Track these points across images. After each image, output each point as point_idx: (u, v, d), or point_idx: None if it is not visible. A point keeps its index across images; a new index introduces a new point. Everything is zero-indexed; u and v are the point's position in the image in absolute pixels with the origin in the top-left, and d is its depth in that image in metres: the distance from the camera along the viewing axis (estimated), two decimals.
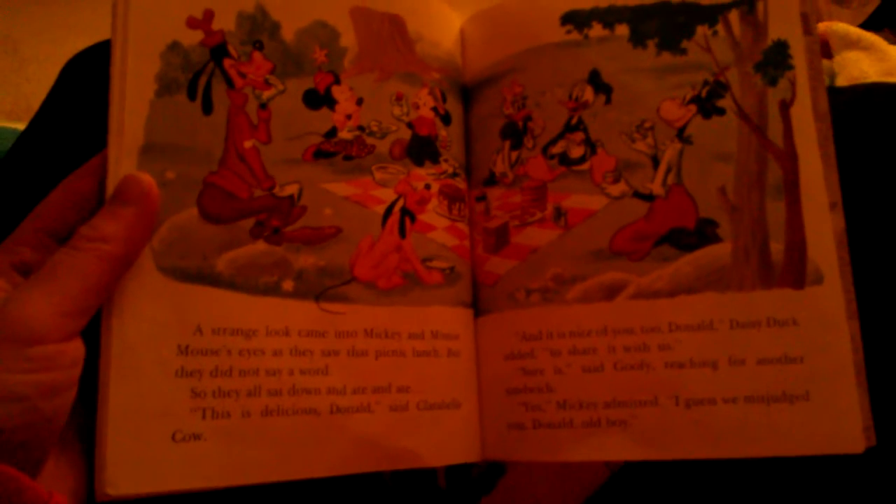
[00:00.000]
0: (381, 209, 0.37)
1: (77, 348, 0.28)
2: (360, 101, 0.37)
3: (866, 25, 1.32)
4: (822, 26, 0.60)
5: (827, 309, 0.35)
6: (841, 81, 0.55)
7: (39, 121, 0.43)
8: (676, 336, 0.35)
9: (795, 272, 0.35)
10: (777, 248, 0.35)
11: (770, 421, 0.34)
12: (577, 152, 0.38)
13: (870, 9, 1.32)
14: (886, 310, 0.38)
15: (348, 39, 0.38)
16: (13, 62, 1.32)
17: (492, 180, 0.40)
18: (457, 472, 0.43)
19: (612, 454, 0.35)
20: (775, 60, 0.37)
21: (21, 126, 0.50)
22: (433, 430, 0.36)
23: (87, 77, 0.43)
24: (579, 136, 0.38)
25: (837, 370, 0.34)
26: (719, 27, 0.38)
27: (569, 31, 0.39)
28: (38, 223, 0.30)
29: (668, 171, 0.37)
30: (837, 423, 0.33)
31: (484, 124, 0.40)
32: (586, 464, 0.41)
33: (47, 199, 0.31)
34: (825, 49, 0.60)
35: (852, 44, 0.58)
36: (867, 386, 0.34)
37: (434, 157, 0.39)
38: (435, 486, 0.43)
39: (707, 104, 0.37)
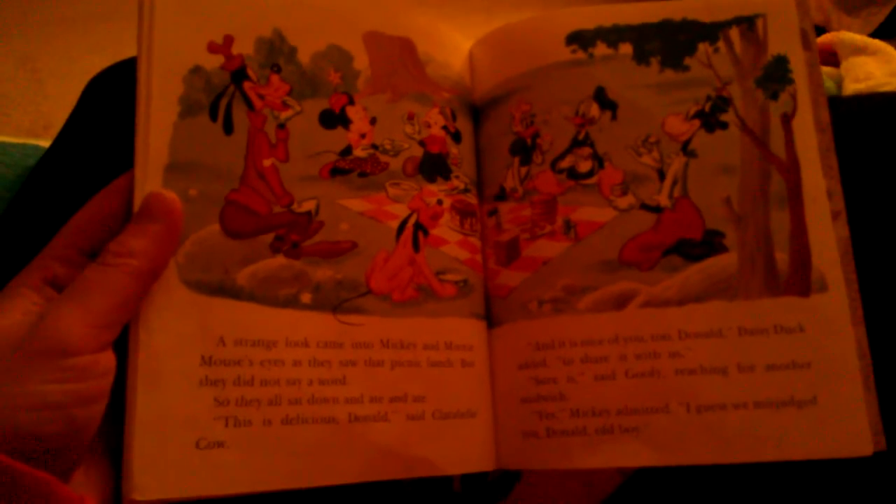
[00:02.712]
0: (395, 224, 0.38)
1: (109, 359, 0.29)
2: (373, 121, 0.39)
3: (876, 34, 1.33)
4: (830, 37, 0.61)
5: (832, 316, 0.35)
6: (848, 83, 0.55)
7: (65, 138, 0.44)
8: (686, 344, 0.36)
9: (800, 280, 0.36)
10: (782, 257, 0.36)
11: (779, 426, 0.34)
12: (584, 167, 0.39)
13: (880, 18, 1.33)
14: None
15: (361, 62, 0.39)
16: (33, 81, 1.34)
17: (502, 195, 0.40)
18: (472, 478, 0.43)
19: (626, 461, 0.35)
20: (776, 75, 0.39)
21: (40, 142, 0.51)
22: (449, 439, 0.37)
23: (111, 96, 0.44)
24: (587, 151, 0.39)
25: (844, 375, 0.34)
26: (720, 44, 0.39)
27: (574, 51, 0.40)
28: (69, 240, 0.31)
29: (675, 183, 0.38)
30: (845, 427, 0.34)
31: (493, 141, 0.41)
32: (600, 470, 0.42)
33: (76, 216, 0.32)
34: (833, 59, 0.60)
35: (859, 50, 0.58)
36: (876, 390, 0.34)
37: (445, 174, 0.40)
38: (450, 492, 0.43)
39: (710, 118, 0.38)
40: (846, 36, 0.60)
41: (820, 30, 1.39)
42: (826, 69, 0.60)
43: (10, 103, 1.32)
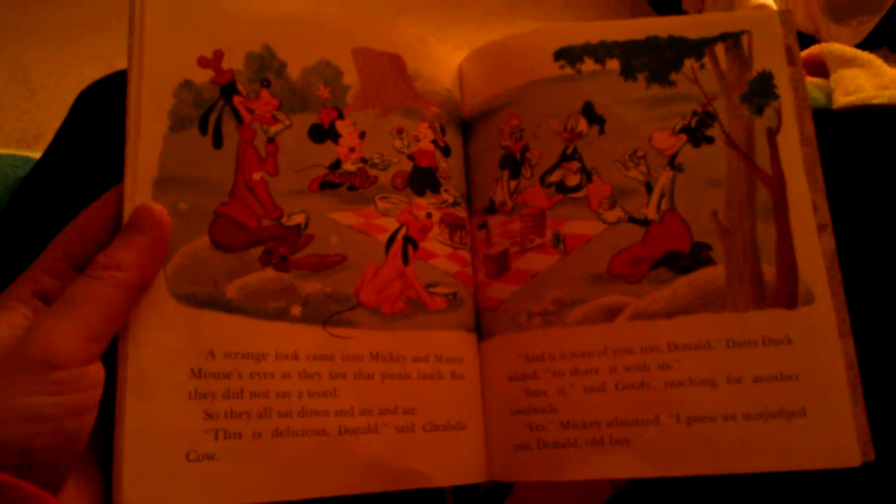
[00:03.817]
0: (384, 237, 0.38)
1: (98, 371, 0.29)
2: (362, 135, 0.39)
3: (865, 44, 1.33)
4: (818, 48, 0.61)
5: (819, 328, 0.36)
6: (838, 95, 0.56)
7: (55, 150, 0.44)
8: (675, 356, 0.36)
9: (787, 293, 0.36)
10: (769, 269, 0.36)
11: (768, 437, 0.34)
12: (573, 180, 0.39)
13: (869, 27, 1.34)
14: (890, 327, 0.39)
15: (351, 77, 0.39)
16: (24, 90, 1.34)
17: (492, 209, 0.41)
18: (464, 490, 0.43)
19: (617, 472, 0.35)
20: (761, 90, 0.39)
21: (31, 153, 0.50)
22: (439, 451, 0.36)
23: (101, 108, 0.44)
24: (575, 165, 0.39)
25: (832, 386, 0.35)
26: (706, 60, 0.39)
27: (562, 66, 0.40)
28: (58, 252, 0.31)
29: (662, 197, 0.38)
30: (834, 438, 0.34)
31: (483, 155, 0.42)
32: (591, 482, 0.41)
33: (66, 229, 0.32)
34: (822, 70, 0.61)
35: (848, 62, 0.58)
36: (864, 401, 0.34)
37: (435, 188, 0.40)
38: None
39: (696, 133, 0.39)
40: (835, 47, 0.61)
41: (809, 39, 1.41)
42: (815, 80, 0.60)
43: (2, 112, 1.32)
